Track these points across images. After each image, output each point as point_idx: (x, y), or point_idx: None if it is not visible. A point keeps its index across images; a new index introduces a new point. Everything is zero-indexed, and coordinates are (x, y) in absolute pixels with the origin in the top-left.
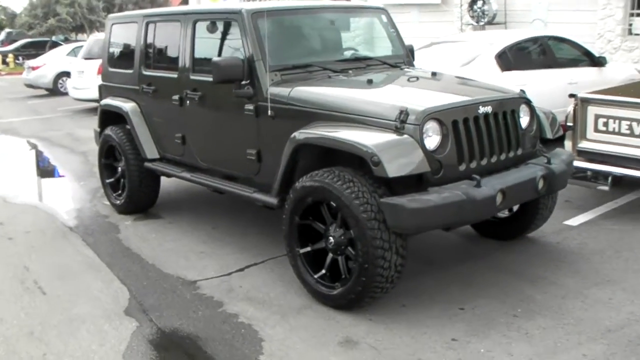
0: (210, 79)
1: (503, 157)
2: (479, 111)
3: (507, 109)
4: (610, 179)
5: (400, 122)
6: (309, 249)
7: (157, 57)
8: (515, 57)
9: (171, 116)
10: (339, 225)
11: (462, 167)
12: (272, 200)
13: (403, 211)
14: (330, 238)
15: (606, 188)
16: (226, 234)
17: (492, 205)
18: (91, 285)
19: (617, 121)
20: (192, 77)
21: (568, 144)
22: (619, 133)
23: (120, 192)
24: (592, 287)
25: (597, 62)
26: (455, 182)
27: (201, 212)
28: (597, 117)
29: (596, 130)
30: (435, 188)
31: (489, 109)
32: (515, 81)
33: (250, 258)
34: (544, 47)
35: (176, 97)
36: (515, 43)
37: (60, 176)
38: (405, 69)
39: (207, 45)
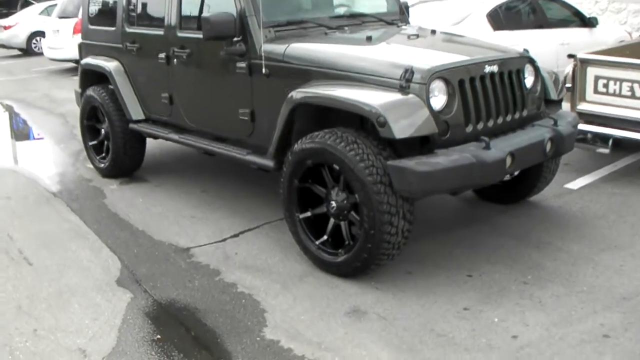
0: (200, 36)
1: (509, 118)
2: (485, 70)
3: (512, 68)
4: (610, 141)
5: (405, 81)
6: (309, 214)
7: (142, 13)
8: (506, 17)
9: (157, 75)
10: (341, 189)
11: (469, 129)
12: (268, 162)
13: (411, 174)
14: (332, 203)
15: (606, 151)
16: (217, 198)
17: (502, 169)
18: (79, 254)
19: (617, 83)
20: (179, 34)
21: (566, 105)
22: (620, 95)
23: (104, 155)
24: (600, 253)
25: (588, 22)
26: (462, 144)
27: (189, 175)
28: (597, 78)
29: (596, 91)
30: (443, 150)
31: (494, 68)
32: (507, 41)
33: (244, 223)
34: (535, 6)
35: (162, 55)
36: (506, 2)
37: (39, 139)
38: (402, 27)
39: (195, 1)
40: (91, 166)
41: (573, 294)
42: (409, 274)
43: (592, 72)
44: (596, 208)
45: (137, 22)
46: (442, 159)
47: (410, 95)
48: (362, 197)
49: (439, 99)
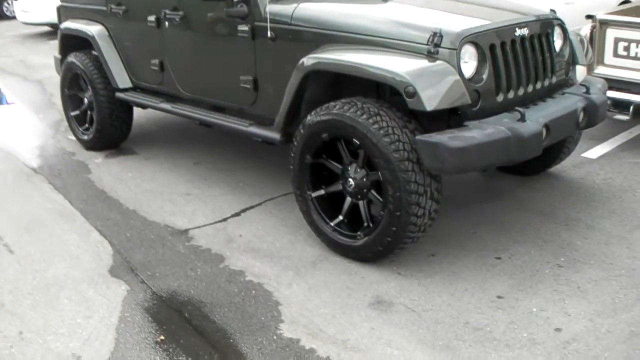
0: None
1: (539, 86)
2: (515, 34)
3: (542, 31)
4: (631, 108)
5: (434, 45)
6: (322, 192)
7: None
8: None
9: (146, 40)
10: (360, 165)
11: (500, 98)
12: (275, 135)
13: (444, 150)
14: (350, 180)
15: (627, 118)
16: (212, 171)
17: (539, 143)
18: (66, 239)
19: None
20: None
21: (581, 69)
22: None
23: (87, 125)
24: (633, 231)
25: None
26: (491, 115)
27: (179, 147)
28: (617, 40)
29: (615, 55)
30: (474, 123)
31: (525, 31)
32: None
33: (245, 199)
34: None
35: (152, 18)
36: None
37: (14, 107)
38: None
39: None
40: (73, 138)
41: (612, 278)
42: (432, 257)
43: (611, 33)
44: (620, 180)
45: None
46: (477, 133)
47: (440, 62)
48: (386, 175)
49: (469, 66)
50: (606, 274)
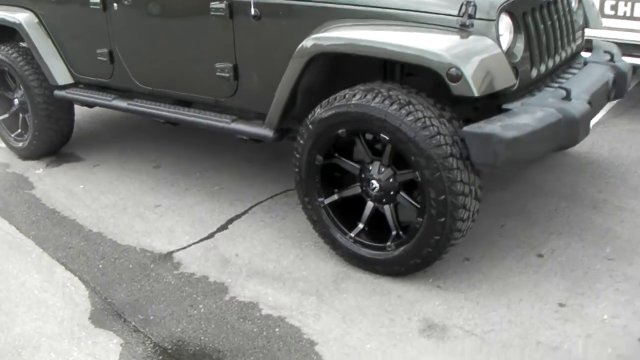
0: None
1: (564, 55)
2: None
3: None
4: None
5: (468, 17)
6: (336, 197)
7: None
8: None
9: (89, 26)
10: (385, 164)
11: (534, 74)
12: (267, 132)
13: (498, 142)
14: (373, 182)
15: None
16: (178, 175)
17: (588, 124)
18: (24, 280)
19: (629, 3)
20: None
21: None
22: (632, 17)
23: (21, 131)
24: None
25: None
26: (525, 94)
27: (132, 147)
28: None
29: (603, 15)
30: (517, 105)
31: None
32: None
33: (227, 207)
34: None
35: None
36: None
37: None
38: None
39: None
40: (4, 146)
41: None
42: (466, 262)
43: None
44: (626, 150)
45: None
46: (529, 119)
47: (481, 37)
48: (427, 175)
49: (504, 39)
50: None
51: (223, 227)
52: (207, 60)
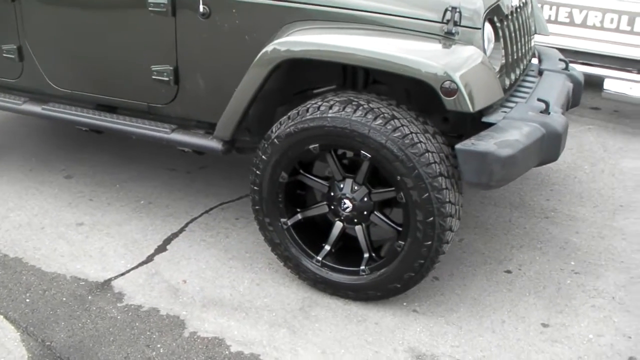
0: None
1: (525, 63)
2: (512, 4)
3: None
4: None
5: (454, 24)
6: (299, 217)
7: None
8: None
9: None
10: (360, 182)
11: (507, 83)
12: (215, 145)
13: (494, 161)
14: (346, 201)
15: None
16: (95, 187)
17: (566, 140)
18: None
19: (554, 8)
20: None
21: None
22: (557, 22)
23: None
24: (614, 217)
25: None
26: (499, 105)
27: (35, 155)
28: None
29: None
30: (498, 118)
31: (516, 1)
32: None
33: (160, 225)
34: None
35: None
36: None
37: None
38: None
39: None
40: None
41: (637, 280)
42: (436, 281)
43: None
44: (566, 156)
45: None
46: (517, 135)
47: (469, 46)
48: (415, 196)
49: (489, 48)
50: (627, 275)
51: (161, 249)
52: (141, 61)
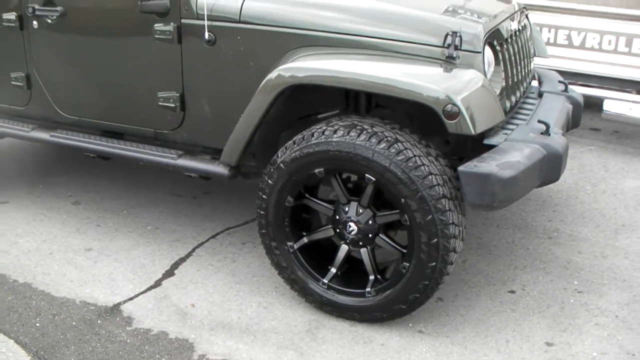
0: None
1: (525, 86)
2: (511, 27)
3: (521, 23)
4: None
5: (455, 48)
6: (305, 240)
7: None
8: None
9: (1, 47)
10: (365, 205)
11: (508, 106)
12: (221, 170)
13: (496, 183)
14: (351, 224)
15: None
16: (102, 213)
17: (567, 159)
18: None
19: (552, 30)
20: None
21: None
22: (555, 44)
23: None
24: (616, 236)
25: None
26: (501, 127)
27: (42, 181)
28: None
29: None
30: (500, 140)
31: (515, 25)
32: None
33: (167, 250)
34: None
35: (11, 16)
36: None
37: None
38: None
39: None
40: None
41: (639, 298)
42: (440, 302)
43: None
44: (562, 176)
45: None
46: (519, 156)
47: (470, 70)
48: (419, 218)
49: (489, 72)
50: (629, 294)
51: (169, 273)
52: (148, 88)
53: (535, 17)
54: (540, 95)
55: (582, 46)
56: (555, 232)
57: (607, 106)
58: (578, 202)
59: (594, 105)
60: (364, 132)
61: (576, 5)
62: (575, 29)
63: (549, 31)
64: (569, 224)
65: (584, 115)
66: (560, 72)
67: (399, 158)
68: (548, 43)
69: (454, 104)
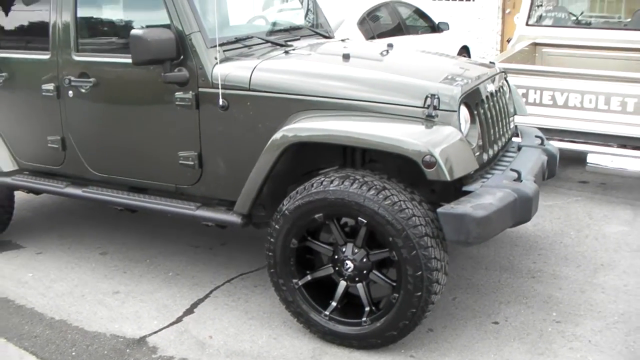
0: (115, 60)
1: (504, 140)
2: (487, 89)
3: (499, 84)
4: None
5: (433, 108)
6: (309, 278)
7: (9, 29)
8: (372, 24)
9: (40, 113)
10: (359, 245)
11: (485, 158)
12: (234, 219)
13: (470, 222)
14: (348, 263)
15: None
16: (128, 262)
17: (538, 202)
18: None
19: (538, 92)
20: (76, 57)
21: None
22: (541, 104)
23: None
24: (595, 275)
25: (437, 28)
26: (478, 176)
27: (72, 234)
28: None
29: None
30: (476, 187)
31: (492, 86)
32: None
33: (187, 292)
34: (394, 12)
35: (50, 86)
36: (370, 9)
37: None
38: (350, 41)
39: (99, 13)
40: None
41: (613, 326)
42: (431, 332)
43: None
44: (548, 224)
45: (1, 42)
46: (492, 199)
47: (446, 127)
48: (405, 254)
49: (465, 128)
50: (603, 322)
51: (189, 311)
52: (169, 149)
53: (520, 80)
54: (519, 149)
55: (565, 105)
56: (539, 272)
57: (591, 159)
58: (562, 246)
59: (580, 159)
60: (356, 181)
61: (558, 68)
62: (559, 90)
63: (535, 92)
64: (551, 264)
65: (572, 168)
66: (548, 130)
67: (386, 202)
68: (534, 104)
69: (432, 155)
